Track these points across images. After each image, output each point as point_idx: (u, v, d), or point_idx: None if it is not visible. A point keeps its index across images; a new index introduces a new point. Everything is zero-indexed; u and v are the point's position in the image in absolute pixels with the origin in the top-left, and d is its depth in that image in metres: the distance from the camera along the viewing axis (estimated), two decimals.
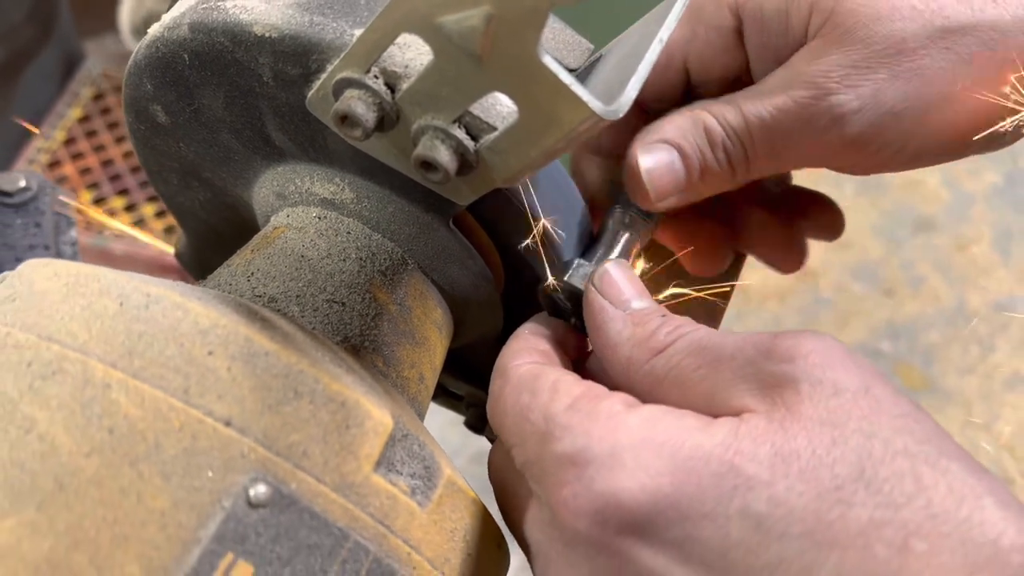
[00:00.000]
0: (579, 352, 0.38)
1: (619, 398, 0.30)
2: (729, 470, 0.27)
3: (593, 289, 0.35)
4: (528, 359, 0.34)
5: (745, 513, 0.27)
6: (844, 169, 0.39)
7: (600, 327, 0.34)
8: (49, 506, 0.25)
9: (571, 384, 0.31)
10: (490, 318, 0.43)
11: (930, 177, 1.89)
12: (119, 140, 1.77)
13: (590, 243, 0.40)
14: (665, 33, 0.31)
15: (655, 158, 0.38)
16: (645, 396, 0.32)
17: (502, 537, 0.35)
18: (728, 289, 0.46)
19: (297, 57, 0.33)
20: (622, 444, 0.28)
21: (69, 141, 1.77)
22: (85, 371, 0.27)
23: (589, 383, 0.32)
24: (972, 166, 1.89)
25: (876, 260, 1.76)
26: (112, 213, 1.68)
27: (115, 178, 1.72)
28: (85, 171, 1.73)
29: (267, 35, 0.33)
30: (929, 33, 0.36)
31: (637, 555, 0.28)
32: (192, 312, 0.29)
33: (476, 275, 0.40)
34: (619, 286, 0.35)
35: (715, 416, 0.29)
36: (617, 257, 0.39)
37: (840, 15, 0.37)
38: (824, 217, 0.46)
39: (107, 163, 1.74)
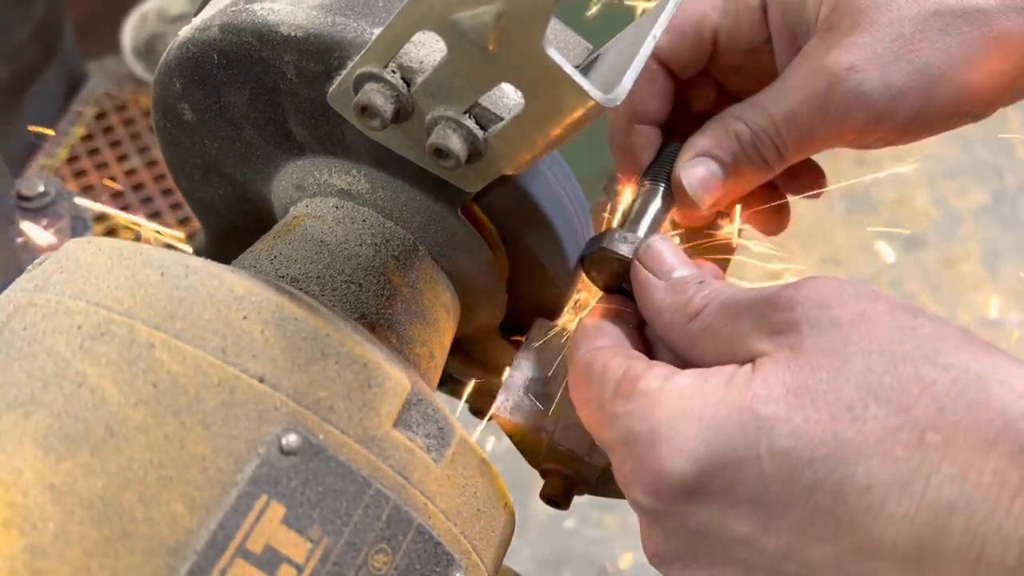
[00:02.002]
0: (639, 316, 0.41)
1: (655, 372, 0.33)
2: (750, 416, 0.30)
3: (638, 263, 0.38)
4: (585, 347, 0.37)
5: (772, 450, 0.29)
6: (862, 146, 0.43)
7: (644, 296, 0.38)
8: (101, 450, 0.28)
9: (614, 369, 0.34)
10: (493, 305, 0.46)
11: (919, 196, 1.92)
12: (121, 158, 1.80)
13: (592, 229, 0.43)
14: (658, 31, 0.34)
15: (695, 173, 0.43)
16: (686, 354, 0.35)
17: (509, 498, 0.37)
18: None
19: (320, 55, 0.36)
20: (659, 420, 0.32)
21: (72, 159, 1.80)
22: (131, 332, 0.30)
23: (630, 362, 0.34)
24: (960, 185, 1.92)
25: (867, 277, 1.79)
26: (114, 230, 1.70)
27: (117, 195, 1.75)
28: (87, 188, 1.75)
29: (293, 34, 0.36)
30: (925, 17, 0.40)
31: (694, 513, 0.31)
32: (227, 281, 0.32)
33: (482, 262, 0.43)
34: (662, 258, 0.38)
35: (740, 364, 0.32)
36: (648, 226, 0.42)
37: (845, 5, 0.41)
38: (807, 175, 0.49)
39: (109, 180, 1.77)
